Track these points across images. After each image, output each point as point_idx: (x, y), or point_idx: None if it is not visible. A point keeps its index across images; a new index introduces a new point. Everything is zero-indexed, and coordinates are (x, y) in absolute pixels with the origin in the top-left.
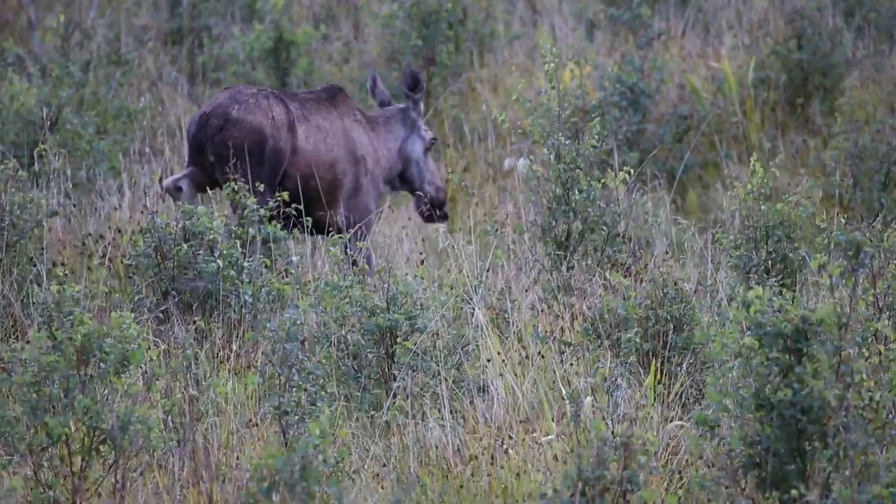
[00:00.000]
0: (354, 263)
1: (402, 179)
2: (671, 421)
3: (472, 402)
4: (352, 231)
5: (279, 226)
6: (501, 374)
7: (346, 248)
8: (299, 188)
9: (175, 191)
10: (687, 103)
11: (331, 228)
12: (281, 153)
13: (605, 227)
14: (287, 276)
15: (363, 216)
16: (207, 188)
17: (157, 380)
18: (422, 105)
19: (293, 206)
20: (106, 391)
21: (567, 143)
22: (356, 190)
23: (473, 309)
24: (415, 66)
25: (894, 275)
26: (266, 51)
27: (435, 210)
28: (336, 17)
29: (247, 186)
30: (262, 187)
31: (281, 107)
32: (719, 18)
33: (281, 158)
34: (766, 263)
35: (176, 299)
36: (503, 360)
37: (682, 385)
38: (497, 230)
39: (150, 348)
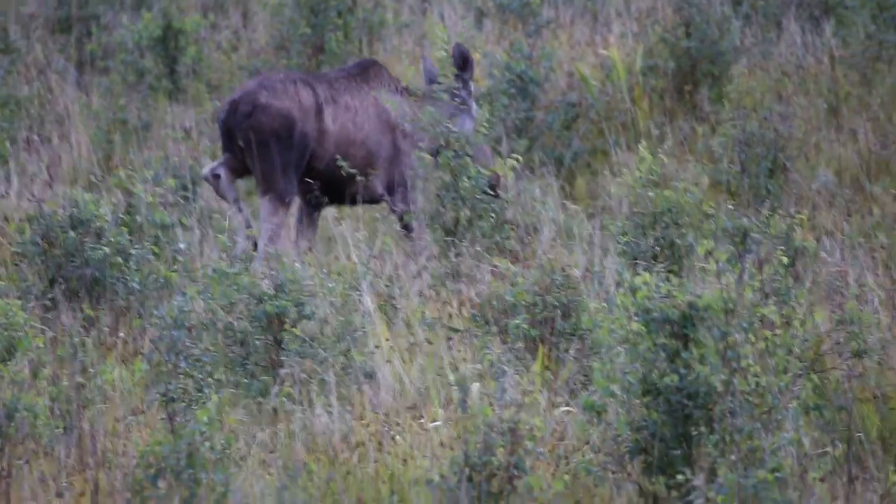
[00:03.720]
0: (406, 228)
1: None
2: (558, 406)
3: (359, 389)
4: (395, 195)
5: (325, 199)
6: (389, 361)
7: (393, 211)
8: (331, 166)
9: (213, 178)
10: (575, 91)
11: (372, 196)
12: (308, 137)
13: (493, 214)
14: (175, 264)
15: (405, 175)
16: (242, 173)
17: (43, 367)
18: (472, 84)
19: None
20: None
21: (455, 130)
22: (395, 155)
23: (361, 295)
24: (463, 45)
25: (780, 261)
26: (154, 39)
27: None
28: (224, 5)
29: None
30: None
31: (308, 91)
32: (608, 6)
33: (308, 142)
34: (653, 249)
35: (63, 286)
36: (391, 347)
37: (569, 371)
38: (385, 216)
39: (36, 335)
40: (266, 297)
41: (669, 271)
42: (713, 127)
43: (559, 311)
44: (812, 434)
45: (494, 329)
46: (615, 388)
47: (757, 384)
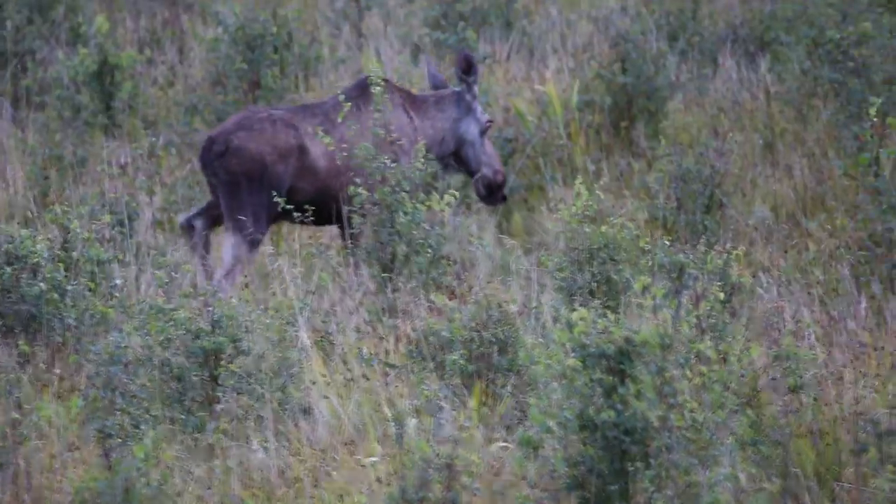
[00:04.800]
0: None
1: (458, 160)
2: (495, 442)
3: (296, 425)
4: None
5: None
6: (326, 396)
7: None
8: (320, 196)
9: (188, 229)
10: (512, 126)
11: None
12: (282, 178)
13: (430, 250)
14: (111, 300)
15: None
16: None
17: None
18: (476, 88)
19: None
20: None
21: (392, 165)
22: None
23: (298, 331)
24: (468, 50)
25: (717, 296)
26: (90, 74)
27: (492, 192)
28: (161, 40)
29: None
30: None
31: (288, 132)
32: (544, 42)
33: (282, 183)
34: (590, 285)
35: None
36: (328, 382)
37: (506, 406)
38: (322, 252)
39: None
40: (203, 333)
41: (606, 307)
42: (649, 163)
43: (496, 347)
44: (748, 470)
45: (431, 365)
46: (552, 423)
47: (693, 420)
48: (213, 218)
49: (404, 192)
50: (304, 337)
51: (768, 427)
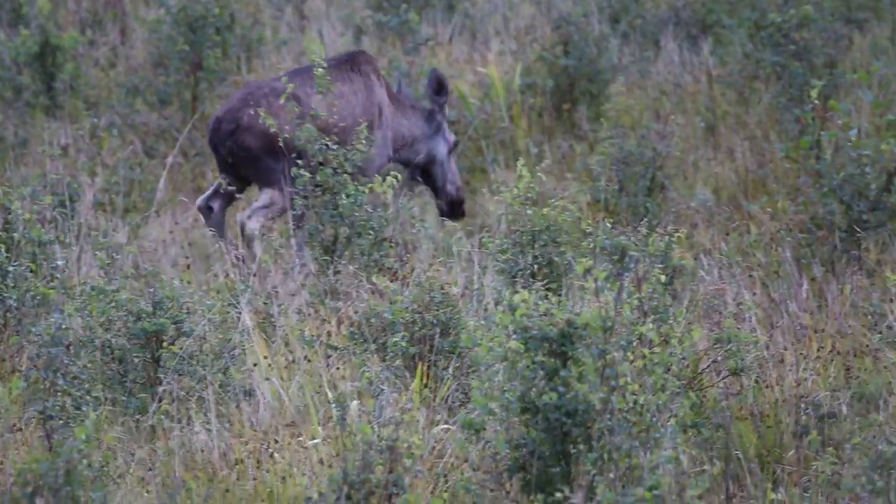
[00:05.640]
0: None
1: (426, 176)
2: (437, 424)
3: (238, 406)
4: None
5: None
6: (268, 378)
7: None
8: None
9: (207, 211)
10: (454, 109)
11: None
12: (294, 143)
13: (372, 232)
14: (52, 281)
15: (369, 164)
16: (237, 194)
17: None
18: (447, 109)
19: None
20: None
21: (334, 147)
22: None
23: (240, 313)
24: (439, 71)
25: (658, 279)
26: (32, 55)
27: (454, 209)
28: (102, 22)
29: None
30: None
31: (293, 104)
32: (486, 24)
33: (295, 147)
34: (532, 267)
35: None
36: (269, 364)
37: (448, 389)
38: (264, 235)
39: None
40: (144, 315)
41: (548, 289)
42: (591, 145)
43: (438, 329)
44: (690, 452)
45: (373, 347)
46: (494, 406)
47: (635, 402)
48: (228, 198)
49: (346, 173)
50: (247, 319)
51: (710, 410)
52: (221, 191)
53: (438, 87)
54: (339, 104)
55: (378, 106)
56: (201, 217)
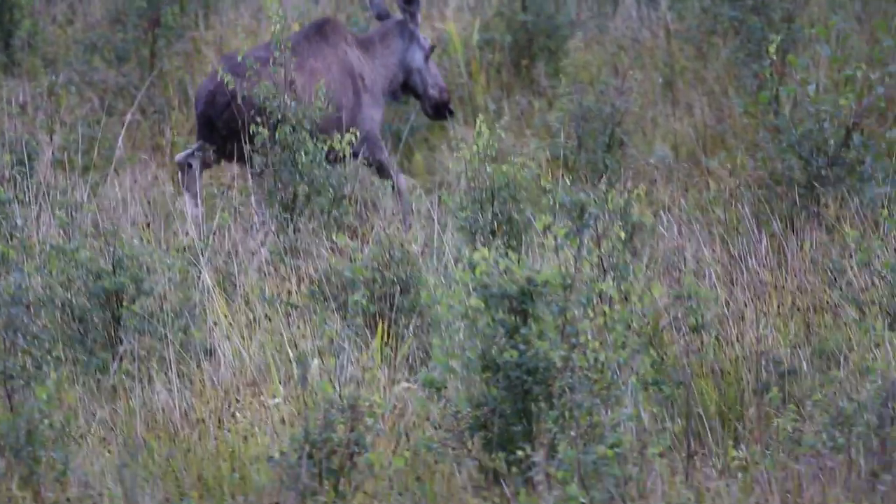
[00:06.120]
0: (381, 175)
1: (405, 87)
2: (398, 383)
3: (199, 366)
4: (361, 145)
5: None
6: (228, 337)
7: (366, 162)
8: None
9: (187, 167)
10: None
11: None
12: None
13: (331, 190)
14: (11, 240)
15: (368, 126)
16: (215, 162)
17: None
18: (419, 16)
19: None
20: None
21: (293, 105)
22: (357, 106)
23: (200, 272)
24: None
25: (618, 236)
26: None
27: (439, 110)
28: None
29: None
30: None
31: (279, 70)
32: None
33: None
34: (491, 225)
35: None
36: (230, 323)
37: (408, 347)
38: (224, 192)
39: None
40: (104, 274)
41: (508, 247)
42: (550, 101)
43: (398, 287)
44: (651, 409)
45: (333, 305)
46: (455, 364)
47: (596, 360)
48: (206, 161)
49: (305, 130)
50: (207, 277)
51: (670, 367)
52: (204, 159)
53: None
54: (311, 81)
55: (355, 72)
56: (178, 172)
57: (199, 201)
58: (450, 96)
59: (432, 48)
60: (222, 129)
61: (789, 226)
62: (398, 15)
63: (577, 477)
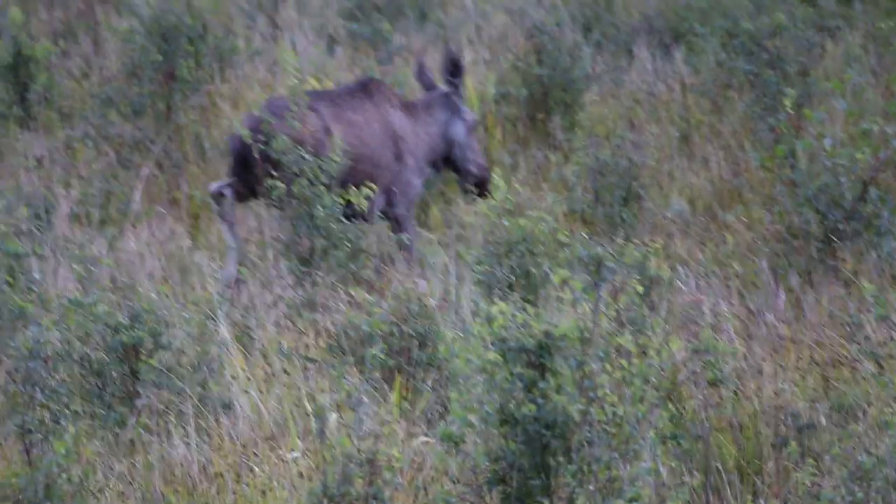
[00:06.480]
0: (397, 230)
1: (446, 160)
2: (416, 437)
3: (217, 420)
4: (396, 206)
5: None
6: (246, 391)
7: (391, 217)
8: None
9: (219, 196)
10: None
11: (379, 210)
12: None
13: (348, 243)
14: (29, 294)
15: (407, 190)
16: (246, 198)
17: None
18: (462, 89)
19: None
20: None
21: (310, 159)
22: (399, 167)
23: (218, 325)
24: (453, 50)
25: (635, 289)
26: (5, 66)
27: (479, 187)
28: (75, 32)
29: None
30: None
31: (314, 115)
32: (459, 33)
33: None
34: (509, 278)
35: None
36: (248, 377)
37: (426, 401)
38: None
39: None
40: (122, 328)
41: (525, 300)
42: (566, 155)
43: (416, 341)
44: (669, 464)
45: (351, 359)
46: (473, 418)
47: (614, 414)
48: (239, 194)
49: (322, 185)
50: (224, 331)
51: (689, 421)
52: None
53: (453, 68)
54: (348, 133)
55: (397, 133)
56: (212, 203)
57: (235, 231)
58: (489, 174)
59: (475, 123)
60: (256, 167)
61: (807, 280)
62: (444, 87)
63: None
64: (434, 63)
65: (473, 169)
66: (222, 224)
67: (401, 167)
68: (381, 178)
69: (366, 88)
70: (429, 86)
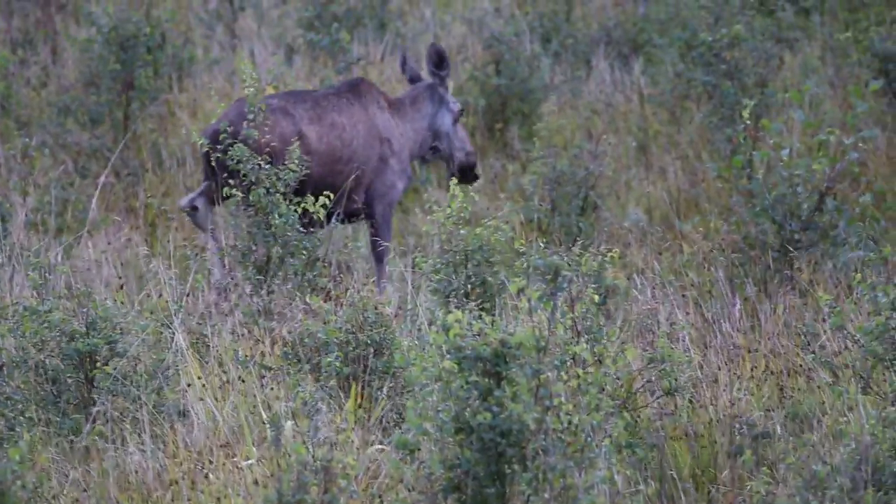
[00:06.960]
0: (375, 235)
1: (434, 150)
2: (371, 445)
3: (172, 427)
4: (374, 209)
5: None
6: (202, 399)
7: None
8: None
9: (191, 210)
10: None
11: (358, 211)
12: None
13: (305, 252)
14: None
15: (388, 192)
16: (219, 201)
17: None
18: (448, 80)
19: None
20: None
21: (266, 167)
22: (382, 171)
23: (174, 333)
24: (438, 44)
25: (592, 299)
26: None
27: (466, 173)
28: (34, 41)
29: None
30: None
31: (287, 119)
32: (418, 44)
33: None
34: (465, 287)
35: None
36: (203, 385)
37: (382, 409)
38: (197, 254)
39: None
40: (78, 335)
41: (482, 309)
42: (524, 165)
43: (372, 349)
44: (625, 472)
45: (307, 367)
46: (428, 426)
47: (569, 422)
48: (211, 199)
49: (279, 193)
50: (180, 339)
51: (644, 429)
52: (209, 195)
53: (439, 61)
54: (329, 134)
55: (382, 136)
56: (186, 216)
57: (216, 237)
58: (476, 160)
59: (461, 112)
60: (221, 169)
61: (763, 289)
62: (429, 78)
63: None
64: (393, 71)
65: (460, 156)
66: (203, 234)
67: (384, 169)
68: (363, 180)
69: (354, 89)
70: (414, 78)
